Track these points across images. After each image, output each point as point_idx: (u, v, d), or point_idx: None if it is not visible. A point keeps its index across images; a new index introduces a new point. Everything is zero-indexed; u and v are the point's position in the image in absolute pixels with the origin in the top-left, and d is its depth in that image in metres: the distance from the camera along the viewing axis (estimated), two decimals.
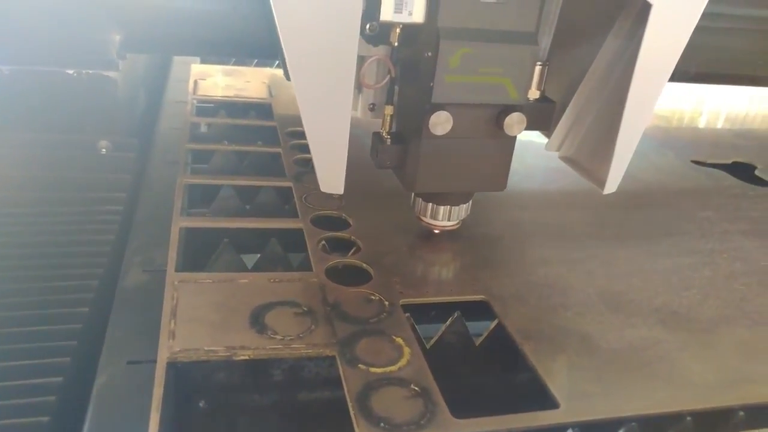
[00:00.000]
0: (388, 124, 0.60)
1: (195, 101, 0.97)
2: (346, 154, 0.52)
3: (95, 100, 0.84)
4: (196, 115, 0.93)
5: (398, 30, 0.54)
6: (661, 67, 0.52)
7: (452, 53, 0.51)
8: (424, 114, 0.54)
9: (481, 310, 0.58)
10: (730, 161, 1.06)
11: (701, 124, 1.38)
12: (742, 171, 1.03)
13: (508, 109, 0.56)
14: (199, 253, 0.63)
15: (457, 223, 0.66)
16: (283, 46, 0.46)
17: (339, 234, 0.66)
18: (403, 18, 0.51)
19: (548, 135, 0.66)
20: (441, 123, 0.54)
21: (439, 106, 0.54)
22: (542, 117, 0.62)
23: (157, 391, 0.43)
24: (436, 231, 0.66)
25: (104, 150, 0.85)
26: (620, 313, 0.59)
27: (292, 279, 0.57)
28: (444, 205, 0.64)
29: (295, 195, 0.73)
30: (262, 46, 0.80)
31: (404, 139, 0.59)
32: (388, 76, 0.58)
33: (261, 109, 1.01)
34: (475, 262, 0.65)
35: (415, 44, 0.55)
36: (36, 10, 0.69)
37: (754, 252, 0.74)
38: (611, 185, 0.58)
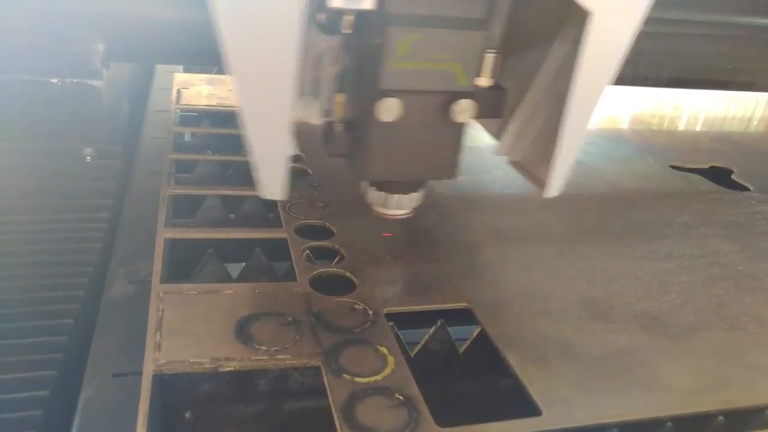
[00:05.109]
0: (339, 112, 0.59)
1: (178, 110, 0.97)
2: (288, 158, 0.51)
3: (79, 109, 0.84)
4: (179, 125, 0.93)
5: (350, 17, 0.53)
6: (602, 74, 0.52)
7: (400, 39, 0.50)
8: (373, 101, 0.53)
9: (464, 317, 0.59)
10: (707, 166, 1.08)
11: (680, 127, 1.39)
12: (720, 175, 1.04)
13: (456, 96, 0.54)
14: (184, 263, 0.64)
15: (410, 212, 0.66)
16: (219, 36, 0.44)
17: (323, 243, 0.66)
18: (353, 4, 0.50)
19: (497, 138, 0.66)
20: (390, 110, 0.53)
21: (388, 93, 0.52)
22: (494, 104, 0.61)
23: (143, 404, 0.43)
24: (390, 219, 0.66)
25: (89, 158, 0.85)
26: (601, 319, 0.60)
27: (277, 289, 0.58)
28: (395, 193, 0.63)
29: (279, 204, 0.73)
30: None
31: (355, 128, 0.59)
32: (340, 64, 0.57)
33: None
34: (457, 270, 0.66)
35: (366, 31, 0.54)
36: (19, 20, 0.69)
37: (731, 256, 0.75)
38: (553, 189, 0.58)
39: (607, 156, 1.08)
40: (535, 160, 0.63)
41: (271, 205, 0.74)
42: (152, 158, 0.85)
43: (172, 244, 0.64)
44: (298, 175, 0.82)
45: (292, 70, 0.46)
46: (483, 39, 0.53)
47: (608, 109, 1.40)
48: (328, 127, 0.59)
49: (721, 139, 1.27)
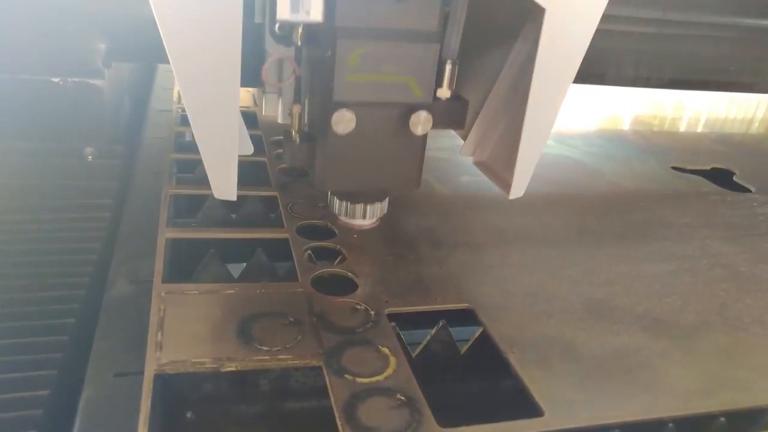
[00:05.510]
0: (297, 123, 0.59)
1: (179, 110, 0.97)
2: (237, 158, 0.50)
3: (81, 108, 0.84)
4: (180, 124, 0.93)
5: (300, 29, 0.53)
6: (562, 72, 0.51)
7: (350, 52, 0.50)
8: (327, 112, 0.53)
9: (465, 318, 0.59)
10: (709, 167, 1.08)
11: (681, 128, 1.39)
12: (721, 177, 1.05)
13: (413, 108, 0.54)
14: (186, 263, 0.63)
15: (375, 222, 0.66)
16: (163, 39, 0.43)
17: (324, 243, 0.66)
18: (301, 17, 0.50)
19: (464, 138, 0.66)
20: (344, 122, 0.53)
21: (342, 105, 0.52)
22: (455, 116, 0.60)
23: (145, 404, 0.43)
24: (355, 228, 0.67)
25: (90, 157, 0.85)
26: (603, 320, 0.60)
27: (278, 289, 0.57)
28: (359, 203, 0.63)
29: (280, 204, 0.73)
30: (245, 53, 0.80)
31: (313, 138, 0.59)
32: (294, 75, 0.58)
33: (246, 117, 1.00)
34: (459, 270, 0.66)
35: (318, 43, 0.54)
36: (22, 19, 0.69)
37: (732, 258, 0.75)
38: (517, 190, 0.58)
39: (608, 157, 1.08)
40: (499, 161, 0.62)
41: (272, 205, 0.74)
42: (153, 158, 0.85)
43: (174, 244, 0.64)
44: (299, 175, 0.82)
45: (236, 63, 0.45)
46: (436, 51, 0.53)
47: (609, 110, 1.40)
48: (287, 138, 0.59)
49: (722, 141, 1.27)
